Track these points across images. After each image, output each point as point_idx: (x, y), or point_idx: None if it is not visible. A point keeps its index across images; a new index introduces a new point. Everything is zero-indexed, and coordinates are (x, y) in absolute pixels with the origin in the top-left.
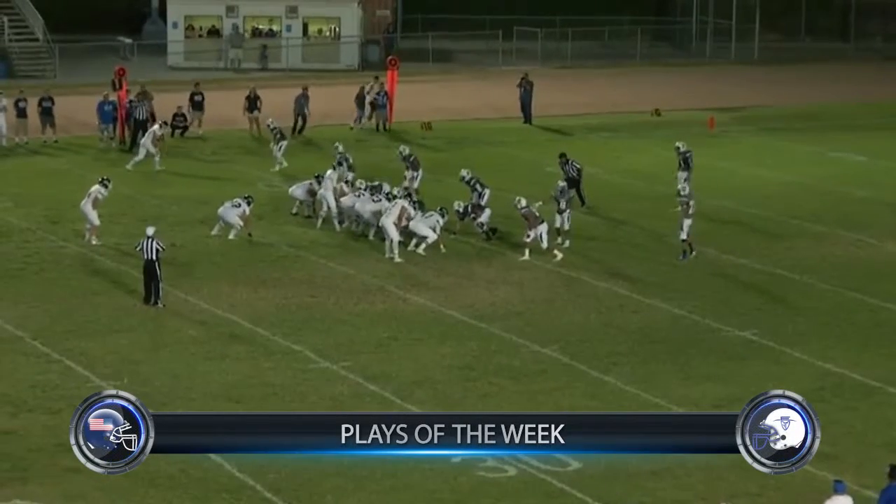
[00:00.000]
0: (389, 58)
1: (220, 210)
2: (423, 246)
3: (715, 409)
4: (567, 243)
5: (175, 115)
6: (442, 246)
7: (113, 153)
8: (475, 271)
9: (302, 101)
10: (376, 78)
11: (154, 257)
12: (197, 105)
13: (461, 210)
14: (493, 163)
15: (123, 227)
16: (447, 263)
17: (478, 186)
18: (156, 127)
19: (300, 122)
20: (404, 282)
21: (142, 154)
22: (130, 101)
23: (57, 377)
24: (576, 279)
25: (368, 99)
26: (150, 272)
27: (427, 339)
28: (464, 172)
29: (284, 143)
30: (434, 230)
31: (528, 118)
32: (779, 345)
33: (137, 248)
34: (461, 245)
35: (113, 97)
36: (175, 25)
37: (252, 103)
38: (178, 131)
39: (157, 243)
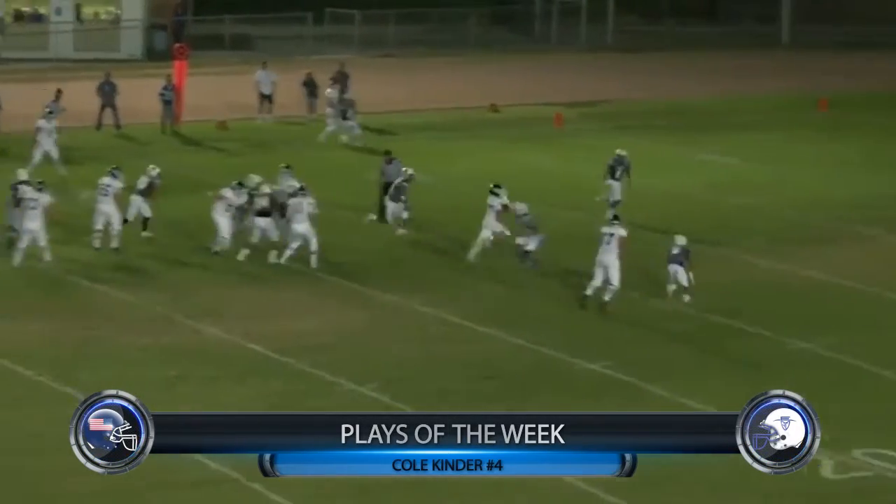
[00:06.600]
0: (178, 45)
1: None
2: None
3: None
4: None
5: None
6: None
7: None
8: (282, 298)
9: (108, 89)
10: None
11: None
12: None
13: None
14: (310, 167)
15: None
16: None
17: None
18: None
19: (109, 115)
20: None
21: None
22: None
23: None
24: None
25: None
26: None
27: (223, 378)
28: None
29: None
30: None
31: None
32: None
33: None
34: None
35: None
36: None
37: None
38: None
39: None
